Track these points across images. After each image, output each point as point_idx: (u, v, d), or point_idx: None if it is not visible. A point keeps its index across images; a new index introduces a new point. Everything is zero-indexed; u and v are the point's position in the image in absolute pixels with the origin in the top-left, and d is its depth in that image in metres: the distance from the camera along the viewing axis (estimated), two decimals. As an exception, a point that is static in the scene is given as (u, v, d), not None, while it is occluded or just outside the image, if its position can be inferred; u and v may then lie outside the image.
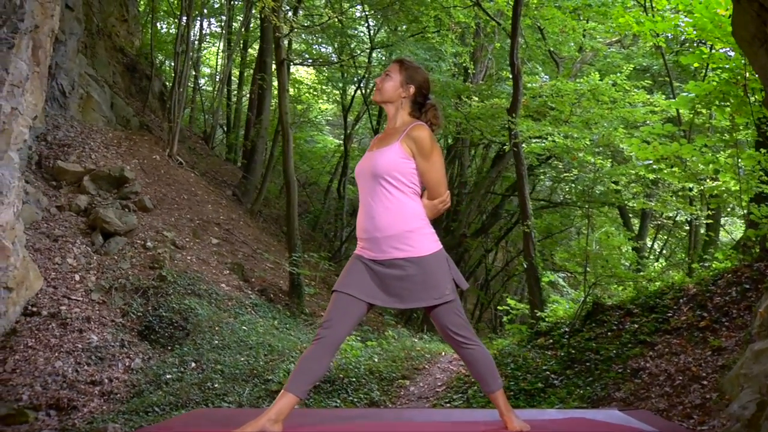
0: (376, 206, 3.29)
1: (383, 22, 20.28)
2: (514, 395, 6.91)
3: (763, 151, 7.77)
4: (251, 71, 21.94)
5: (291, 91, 26.24)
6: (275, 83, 15.97)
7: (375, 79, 3.38)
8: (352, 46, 21.66)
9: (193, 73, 22.52)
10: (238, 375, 8.56)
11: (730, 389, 5.04)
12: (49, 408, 7.98)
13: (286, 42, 16.04)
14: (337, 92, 25.41)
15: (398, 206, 3.27)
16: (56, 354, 8.67)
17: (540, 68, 16.06)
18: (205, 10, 22.91)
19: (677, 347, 6.56)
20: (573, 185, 14.27)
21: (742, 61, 7.40)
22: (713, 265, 8.11)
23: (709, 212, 11.41)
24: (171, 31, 24.03)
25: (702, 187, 9.32)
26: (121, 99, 16.13)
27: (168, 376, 8.61)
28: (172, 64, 18.95)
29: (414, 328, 14.29)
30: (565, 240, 20.43)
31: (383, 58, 21.95)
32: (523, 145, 11.00)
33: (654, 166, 8.97)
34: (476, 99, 14.35)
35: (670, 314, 7.21)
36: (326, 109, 29.19)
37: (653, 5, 11.38)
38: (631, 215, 17.65)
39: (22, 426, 7.58)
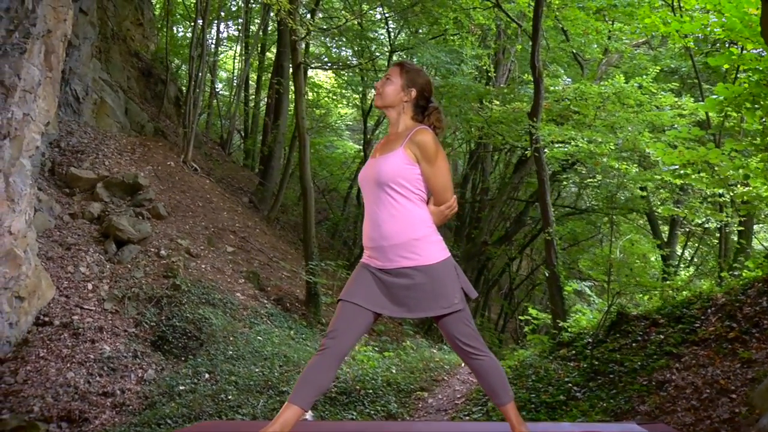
0: (382, 214, 3.29)
1: (403, 24, 20.31)
2: (535, 408, 6.88)
3: (795, 155, 7.69)
4: (269, 75, 22.05)
5: (309, 95, 26.33)
6: (293, 87, 16.04)
7: (375, 83, 3.37)
8: (372, 49, 21.70)
9: (210, 77, 22.65)
10: (253, 386, 8.58)
11: (761, 403, 4.99)
12: (60, 420, 8.04)
13: (303, 45, 16.10)
14: (357, 96, 25.45)
15: (404, 214, 3.27)
16: (68, 365, 8.73)
17: (563, 71, 15.99)
18: (222, 13, 23.06)
19: (705, 359, 6.49)
20: (597, 191, 14.19)
21: (773, 63, 7.34)
22: (743, 274, 8.01)
23: (740, 219, 11.28)
24: (187, 34, 24.20)
25: (732, 193, 9.22)
26: (135, 104, 16.25)
27: (181, 388, 8.64)
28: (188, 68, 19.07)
29: (433, 338, 14.25)
30: (591, 248, 20.31)
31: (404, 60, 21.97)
32: (546, 150, 10.96)
33: (680, 172, 8.89)
34: (497, 103, 14.32)
35: (697, 325, 7.14)
36: (346, 113, 29.23)
37: (681, 5, 11.31)
38: (660, 222, 17.52)
39: (33, 438, 7.66)
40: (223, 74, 28.67)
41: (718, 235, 13.74)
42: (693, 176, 8.77)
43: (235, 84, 24.36)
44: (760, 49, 8.22)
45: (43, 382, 8.35)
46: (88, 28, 13.89)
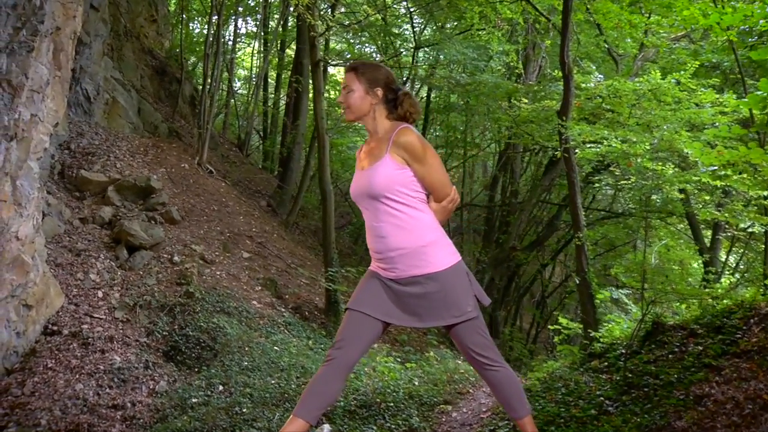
0: (385, 226, 3.26)
1: (429, 19, 20.30)
2: (564, 423, 6.81)
3: None
4: (290, 73, 22.12)
5: (331, 93, 26.40)
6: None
7: (338, 99, 3.28)
8: (396, 45, 21.71)
9: (227, 75, 22.74)
10: (269, 399, 8.58)
11: (805, 419, 4.91)
12: (68, 433, 8.10)
13: (323, 42, 16.14)
14: (382, 95, 25.45)
15: (408, 221, 3.24)
16: (77, 376, 8.78)
17: (595, 67, 15.87)
18: (240, 9, 23.15)
19: (747, 372, 6.40)
20: (631, 194, 14.08)
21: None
22: (790, 282, 7.91)
23: (788, 223, 11.13)
24: (203, 31, 24.37)
25: (777, 196, 9.10)
26: (149, 104, 16.37)
27: (194, 400, 8.66)
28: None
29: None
30: (628, 253, 20.15)
31: (429, 57, 21.97)
32: (576, 150, 10.89)
33: (721, 173, 8.78)
34: (526, 101, 14.25)
35: (739, 335, 7.03)
36: (370, 113, 29.24)
37: (724, -6, 11.19)
38: (702, 226, 17.32)
39: (39, 452, 7.71)
40: (241, 72, 28.79)
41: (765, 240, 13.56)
42: (734, 177, 8.67)
43: (253, 82, 24.43)
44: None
45: (51, 394, 8.41)
46: (100, 24, 14.00)
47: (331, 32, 15.94)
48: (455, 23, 19.68)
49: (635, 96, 11.39)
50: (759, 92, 8.27)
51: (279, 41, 23.56)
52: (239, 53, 26.95)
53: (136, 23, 18.20)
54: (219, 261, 12.05)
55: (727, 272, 15.97)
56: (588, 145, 11.39)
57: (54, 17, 8.90)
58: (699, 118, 11.21)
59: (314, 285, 13.42)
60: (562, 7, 11.11)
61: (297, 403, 3.21)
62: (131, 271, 10.94)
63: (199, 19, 24.44)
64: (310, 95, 18.01)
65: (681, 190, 12.35)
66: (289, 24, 23.08)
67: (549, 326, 15.68)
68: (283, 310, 11.68)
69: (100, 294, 10.27)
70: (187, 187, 13.90)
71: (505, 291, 20.95)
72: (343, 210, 23.74)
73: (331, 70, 25.60)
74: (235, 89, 26.96)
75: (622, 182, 11.93)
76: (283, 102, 24.16)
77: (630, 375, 7.23)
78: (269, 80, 26.28)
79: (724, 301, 8.10)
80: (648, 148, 10.58)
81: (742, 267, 18.55)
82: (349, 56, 24.45)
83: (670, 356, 7.28)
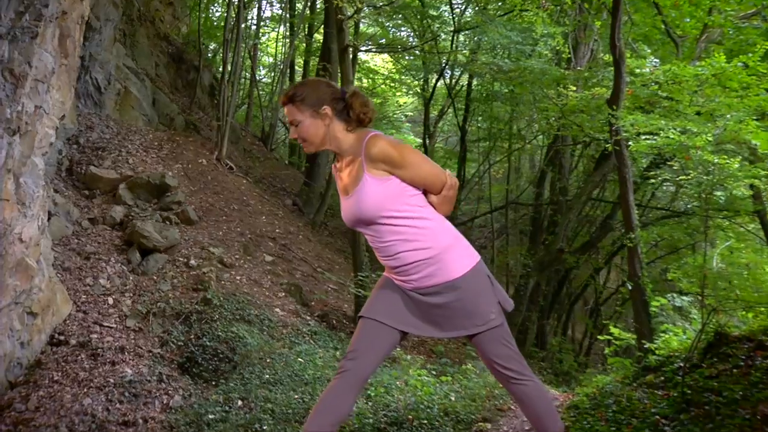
0: (392, 245, 3.25)
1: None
2: (615, 444, 6.76)
3: None
4: (318, 60, 22.15)
5: (364, 82, 26.42)
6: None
7: (290, 136, 3.17)
8: (434, 28, 21.67)
9: (250, 62, 22.82)
10: (291, 415, 8.60)
11: None
12: (75, 452, 8.17)
13: (352, 24, 16.14)
14: (418, 83, 25.40)
15: (415, 233, 3.22)
16: (85, 390, 8.85)
17: (650, 50, 15.70)
18: (264, -10, 23.24)
19: (821, 389, 6.32)
20: (691, 190, 13.86)
21: None
22: None
23: None
24: (224, 14, 24.48)
25: None
26: (164, 94, 16.50)
27: (210, 416, 8.70)
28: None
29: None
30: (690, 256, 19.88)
31: (470, 41, 21.90)
32: (630, 143, 10.78)
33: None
34: (573, 88, 14.13)
35: (812, 348, 6.96)
36: (405, 103, 29.21)
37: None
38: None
39: (44, 473, 7.78)
40: (266, 59, 28.89)
41: None
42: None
43: (279, 69, 24.49)
44: None
45: (57, 410, 8.47)
46: (111, 8, 14.12)
47: (362, 15, 15.93)
48: (498, 4, 19.58)
49: (697, 82, 11.23)
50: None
51: (306, 25, 23.59)
52: (263, 39, 27.05)
53: (151, 6, 18.33)
54: (239, 265, 12.10)
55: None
56: (642, 137, 11.26)
57: (60, 0, 8.95)
58: (771, 105, 11.03)
59: (342, 291, 13.43)
60: (613, -17, 11.02)
61: (306, 419, 3.21)
62: (144, 276, 11.02)
63: (220, 1, 24.57)
64: (339, 84, 18.02)
65: (750, 186, 12.16)
66: (317, 6, 23.12)
67: (599, 336, 15.54)
68: (308, 318, 11.70)
69: (110, 301, 10.35)
70: (205, 184, 13.98)
71: (555, 298, 20.82)
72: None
73: (362, 56, 25.64)
74: (259, 78, 27.05)
75: (681, 178, 11.74)
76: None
77: (689, 391, 7.15)
78: (296, 68, 26.35)
79: (797, 309, 7.98)
80: (710, 139, 10.43)
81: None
82: (383, 41, 24.45)
83: (734, 371, 7.19)
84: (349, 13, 13.00)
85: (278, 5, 26.23)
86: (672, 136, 10.45)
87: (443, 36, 22.03)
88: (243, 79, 23.74)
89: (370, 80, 26.69)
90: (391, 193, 3.20)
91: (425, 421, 8.15)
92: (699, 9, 13.22)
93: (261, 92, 25.60)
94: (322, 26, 21.69)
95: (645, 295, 9.53)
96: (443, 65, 22.07)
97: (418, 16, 20.95)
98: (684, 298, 11.72)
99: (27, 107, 8.42)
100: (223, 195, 14.11)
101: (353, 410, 8.48)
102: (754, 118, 10.84)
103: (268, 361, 9.81)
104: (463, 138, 23.15)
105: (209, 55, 23.43)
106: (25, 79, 8.28)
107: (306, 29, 23.90)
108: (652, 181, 15.75)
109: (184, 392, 9.30)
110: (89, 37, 12.76)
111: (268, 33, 27.67)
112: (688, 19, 14.18)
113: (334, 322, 12.08)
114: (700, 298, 11.01)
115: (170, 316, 10.39)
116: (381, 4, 18.46)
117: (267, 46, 28.11)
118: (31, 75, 8.39)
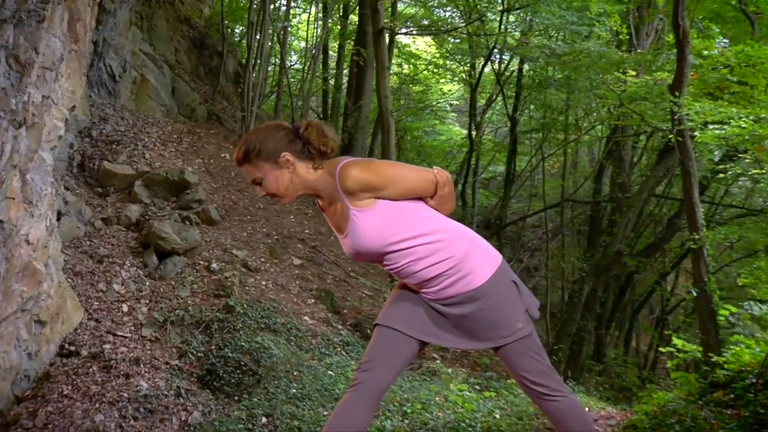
0: (407, 266, 3.27)
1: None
2: (678, 468, 6.71)
3: None
4: (353, 44, 22.15)
5: (404, 68, 26.40)
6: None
7: (260, 194, 3.12)
8: (480, 7, 21.58)
9: (278, 47, 22.87)
10: (320, 434, 8.63)
11: None
12: (86, 473, 8.24)
13: (388, 4, 16.15)
14: (464, 69, 25.31)
15: (427, 249, 3.23)
16: (97, 405, 8.90)
17: (717, 29, 15.51)
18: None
19: None
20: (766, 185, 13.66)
21: None
22: None
23: None
24: (250, -6, 24.55)
25: None
26: (184, 83, 16.60)
27: (232, 435, 8.74)
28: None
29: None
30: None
31: (520, 22, 21.80)
32: (696, 133, 10.66)
33: None
34: (633, 73, 13.99)
35: None
36: (450, 90, 29.10)
37: None
38: None
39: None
40: (297, 43, 28.92)
41: None
42: None
43: (311, 55, 24.49)
44: None
45: (67, 427, 8.54)
46: (126, -11, 14.23)
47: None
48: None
49: (775, 64, 11.09)
50: None
51: (341, 5, 23.59)
52: (293, 21, 27.08)
53: (170, -14, 18.43)
54: (265, 269, 12.13)
55: None
56: (710, 127, 11.14)
57: (69, -20, 9.01)
58: None
59: (378, 297, 13.42)
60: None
61: None
62: (161, 281, 11.10)
63: (246, -20, 24.67)
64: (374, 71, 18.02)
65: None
66: (354, -15, 23.12)
67: (660, 348, 15.32)
68: (340, 327, 11.70)
69: (124, 308, 10.42)
70: (228, 181, 14.05)
71: (616, 305, 20.64)
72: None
73: (403, 39, 25.59)
74: (289, 64, 27.09)
75: (754, 172, 11.60)
76: (346, 79, 24.18)
77: (762, 411, 7.07)
78: (330, 52, 26.36)
79: None
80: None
81: None
82: (425, 22, 24.39)
83: (812, 387, 7.11)
84: (384, -8, 13.02)
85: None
86: (744, 126, 10.33)
87: (491, 16, 21.94)
88: (272, 65, 23.80)
89: (411, 66, 26.65)
90: (386, 219, 3.21)
91: (467, 441, 8.15)
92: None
93: (291, 80, 25.63)
94: (358, 7, 21.69)
95: (712, 302, 9.43)
96: (491, 49, 21.99)
97: (463, -5, 20.90)
98: (762, 306, 11.58)
99: (34, 97, 8.43)
100: (247, 192, 14.16)
101: (369, 427, 8.49)
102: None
103: (295, 374, 9.82)
104: (513, 129, 23.07)
105: (234, 39, 23.53)
106: (32, 66, 8.28)
107: (340, 10, 23.90)
108: (722, 175, 15.58)
109: (204, 408, 9.33)
110: (102, 21, 12.84)
111: (299, 14, 27.70)
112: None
113: (368, 331, 12.06)
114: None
115: (189, 324, 10.44)
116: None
117: (298, 29, 28.13)
118: (38, 62, 8.40)
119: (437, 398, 9.08)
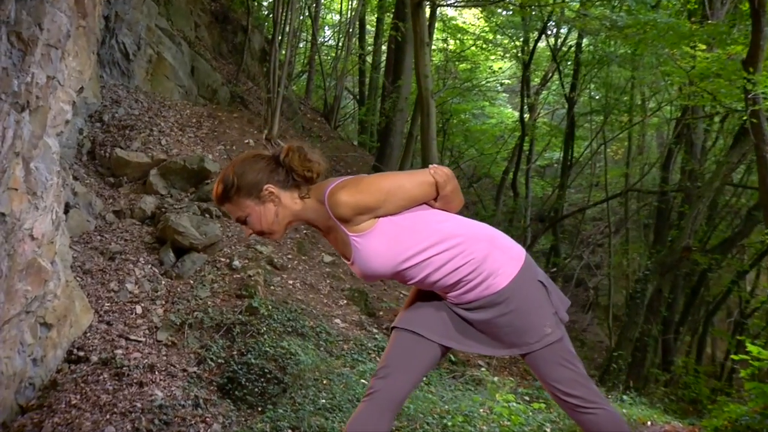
0: (425, 278, 3.29)
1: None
2: (749, 490, 6.67)
3: None
4: (392, 17, 22.09)
5: (450, 44, 26.30)
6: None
7: (246, 234, 3.10)
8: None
9: (310, 22, 22.87)
10: (351, 449, 8.61)
11: None
12: (95, 490, 8.30)
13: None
14: (516, 44, 25.18)
15: (444, 257, 3.24)
16: (108, 416, 8.93)
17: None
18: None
19: None
20: None
21: None
22: None
23: None
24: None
25: None
26: (205, 61, 16.64)
27: (255, 449, 8.77)
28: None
29: (608, 382, 13.91)
30: None
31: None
32: (772, 112, 10.57)
33: None
34: (703, 47, 13.84)
35: None
36: (501, 68, 28.94)
37: None
38: None
39: None
40: (331, 17, 28.92)
41: None
42: None
43: (346, 30, 24.48)
44: None
45: (75, 439, 8.63)
46: (140, -42, 14.29)
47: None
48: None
49: None
50: None
51: (380, -25, 23.56)
52: (327, -8, 27.11)
53: (189, -45, 18.48)
54: (292, 266, 12.15)
55: None
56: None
57: (75, -50, 9.03)
58: None
59: (417, 298, 13.39)
60: None
61: None
62: (178, 280, 11.14)
63: (273, -53, 24.69)
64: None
65: None
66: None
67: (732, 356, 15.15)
68: (374, 330, 11.68)
69: (138, 309, 10.46)
70: (253, 169, 14.05)
71: (686, 308, 20.44)
72: (465, 197, 23.71)
73: (449, 11, 25.50)
74: (322, 40, 27.06)
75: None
76: (384, 57, 24.13)
77: (843, 425, 7.03)
78: (367, 26, 26.32)
79: None
80: None
81: None
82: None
83: None
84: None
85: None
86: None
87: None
88: (303, 41, 23.83)
89: (457, 42, 26.54)
90: (391, 238, 3.22)
91: (513, 457, 8.15)
92: None
93: (324, 57, 25.61)
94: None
95: (791, 303, 9.34)
96: (546, 21, 21.87)
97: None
98: None
99: (38, 78, 8.43)
100: (273, 182, 14.14)
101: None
102: None
103: (324, 382, 9.82)
104: (570, 110, 22.92)
105: (261, 12, 23.55)
106: (35, 44, 8.29)
107: (380, -19, 23.87)
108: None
109: (225, 419, 9.34)
110: (114, -6, 12.95)
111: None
112: None
113: (407, 336, 12.03)
114: None
115: (209, 328, 10.45)
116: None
117: (331, 2, 28.14)
118: (42, 39, 8.40)
119: (481, 410, 9.05)
